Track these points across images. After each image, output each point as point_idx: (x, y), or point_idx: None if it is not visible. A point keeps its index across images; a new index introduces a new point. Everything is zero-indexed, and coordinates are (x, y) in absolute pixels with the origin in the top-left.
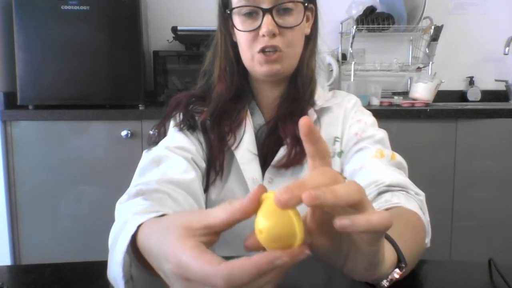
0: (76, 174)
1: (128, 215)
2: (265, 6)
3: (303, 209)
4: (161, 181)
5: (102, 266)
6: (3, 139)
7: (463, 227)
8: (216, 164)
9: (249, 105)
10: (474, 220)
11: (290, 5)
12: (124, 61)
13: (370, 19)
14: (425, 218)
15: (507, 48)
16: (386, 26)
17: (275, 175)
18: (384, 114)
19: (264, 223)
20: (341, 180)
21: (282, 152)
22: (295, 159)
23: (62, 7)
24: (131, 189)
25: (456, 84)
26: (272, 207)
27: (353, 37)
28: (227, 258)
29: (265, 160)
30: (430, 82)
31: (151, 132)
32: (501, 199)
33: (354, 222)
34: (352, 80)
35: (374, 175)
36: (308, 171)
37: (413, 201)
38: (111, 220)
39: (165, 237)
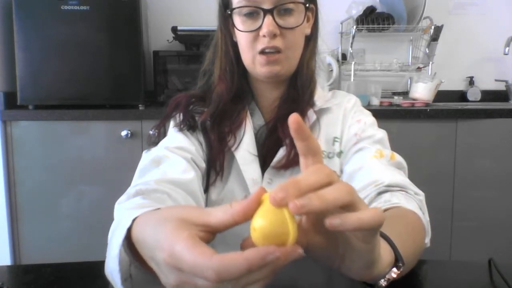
0: (76, 174)
1: (125, 212)
2: (266, 6)
3: None
4: (161, 181)
5: (102, 266)
6: (3, 139)
7: (463, 227)
8: (216, 165)
9: (249, 106)
10: (474, 220)
11: (291, 5)
12: (124, 61)
13: (370, 19)
14: (425, 218)
15: (507, 48)
16: (386, 26)
17: (274, 175)
18: (384, 114)
19: (258, 222)
20: (335, 178)
21: (281, 153)
22: (295, 160)
23: (62, 7)
24: (131, 189)
25: (456, 84)
26: (268, 207)
27: (353, 37)
28: None
29: (264, 161)
30: (430, 82)
31: (151, 132)
32: (501, 199)
33: (345, 221)
34: (352, 80)
35: (373, 175)
36: (302, 170)
37: (413, 201)
38: (111, 220)
39: (160, 227)
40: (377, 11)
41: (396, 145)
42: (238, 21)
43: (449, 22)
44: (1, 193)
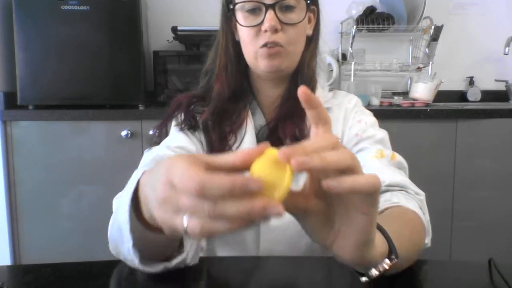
0: (76, 174)
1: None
2: (268, 1)
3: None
4: None
5: (102, 266)
6: (3, 139)
7: (463, 227)
8: None
9: (250, 105)
10: (474, 220)
11: (292, 2)
12: (124, 61)
13: (370, 19)
14: (425, 217)
15: (507, 48)
16: (386, 26)
17: None
18: (384, 114)
19: (255, 168)
20: (339, 146)
21: None
22: None
23: (62, 7)
24: None
25: (456, 84)
26: (268, 160)
27: (353, 37)
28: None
29: None
30: (430, 82)
31: (151, 132)
32: (501, 199)
33: (340, 182)
34: (352, 80)
35: None
36: (311, 138)
37: (413, 200)
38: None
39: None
40: (377, 11)
41: (396, 145)
42: (240, 16)
43: (449, 22)
44: (1, 193)
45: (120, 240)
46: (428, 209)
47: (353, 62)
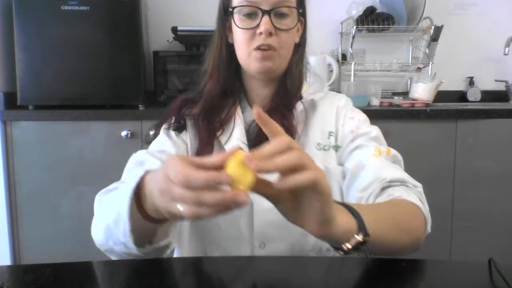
0: (76, 174)
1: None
2: (265, 7)
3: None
4: None
5: (102, 266)
6: (3, 139)
7: (463, 227)
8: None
9: (240, 103)
10: (474, 220)
11: (286, 10)
12: (124, 61)
13: (370, 19)
14: (424, 207)
15: (507, 48)
16: (386, 26)
17: None
18: (384, 114)
19: (228, 166)
20: (294, 146)
21: None
22: None
23: (62, 7)
24: (113, 184)
25: (456, 84)
26: (237, 161)
27: (353, 37)
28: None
29: None
30: (430, 82)
31: (152, 133)
32: (501, 199)
33: (284, 181)
34: (352, 80)
35: (375, 173)
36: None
37: (412, 193)
38: None
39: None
40: (377, 11)
41: (396, 145)
42: (237, 19)
43: (449, 22)
44: (1, 193)
45: (116, 225)
46: (428, 209)
47: (353, 62)
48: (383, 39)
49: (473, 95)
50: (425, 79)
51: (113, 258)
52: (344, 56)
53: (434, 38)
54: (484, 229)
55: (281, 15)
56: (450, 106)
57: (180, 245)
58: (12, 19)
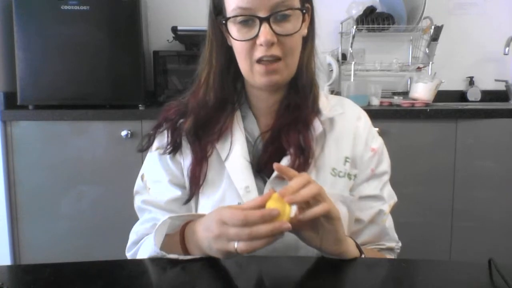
0: (76, 174)
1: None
2: (262, 14)
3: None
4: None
5: (102, 266)
6: (3, 139)
7: (463, 227)
8: (200, 173)
9: (241, 108)
10: (474, 220)
11: (287, 11)
12: (124, 61)
13: (370, 19)
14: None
15: (507, 48)
16: (386, 26)
17: (277, 185)
18: (384, 114)
19: (268, 204)
20: (311, 180)
21: (285, 162)
22: (299, 170)
23: (62, 7)
24: (132, 235)
25: (456, 84)
26: (275, 199)
27: (353, 37)
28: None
29: (260, 169)
30: (430, 82)
31: (144, 142)
32: (501, 199)
33: (306, 214)
34: (352, 80)
35: (379, 237)
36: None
37: (393, 254)
38: (110, 220)
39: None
40: (377, 11)
41: (396, 145)
42: (233, 29)
43: (449, 22)
44: (1, 193)
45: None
46: (428, 209)
47: (353, 62)
48: (383, 39)
49: (473, 95)
50: (425, 79)
51: None
52: (344, 56)
53: (434, 38)
54: (484, 229)
55: (283, 18)
56: (450, 106)
57: None
58: (12, 19)
